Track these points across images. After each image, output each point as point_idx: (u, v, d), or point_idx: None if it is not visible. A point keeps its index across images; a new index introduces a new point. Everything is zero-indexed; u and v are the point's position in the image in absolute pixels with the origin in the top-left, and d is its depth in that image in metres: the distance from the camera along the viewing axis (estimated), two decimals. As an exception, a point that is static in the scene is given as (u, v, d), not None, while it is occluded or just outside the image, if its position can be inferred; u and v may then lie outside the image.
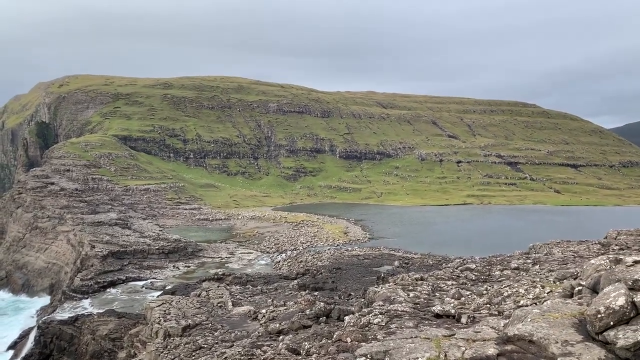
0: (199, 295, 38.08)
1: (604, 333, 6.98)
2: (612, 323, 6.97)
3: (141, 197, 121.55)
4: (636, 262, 10.22)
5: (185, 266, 67.51)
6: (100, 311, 47.25)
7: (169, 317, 30.39)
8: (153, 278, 61.55)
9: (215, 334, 26.45)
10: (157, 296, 45.45)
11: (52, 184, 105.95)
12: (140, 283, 59.48)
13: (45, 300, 67.32)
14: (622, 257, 11.17)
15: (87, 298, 55.87)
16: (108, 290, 58.13)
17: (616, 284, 7.85)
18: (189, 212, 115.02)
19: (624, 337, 6.72)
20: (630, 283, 8.00)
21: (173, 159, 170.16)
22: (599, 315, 7.03)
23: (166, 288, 53.49)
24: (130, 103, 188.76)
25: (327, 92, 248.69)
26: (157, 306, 32.96)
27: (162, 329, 28.34)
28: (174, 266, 67.09)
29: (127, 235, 77.18)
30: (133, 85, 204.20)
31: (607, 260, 11.27)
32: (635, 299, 7.18)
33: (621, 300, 7.06)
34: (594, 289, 9.49)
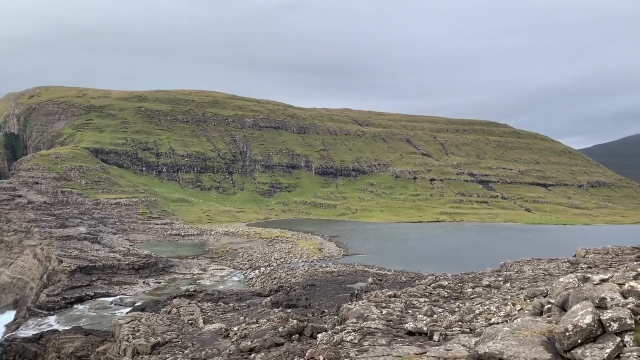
0: (169, 312, 37.37)
1: (571, 351, 7.07)
2: (579, 341, 7.06)
3: (112, 211, 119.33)
4: (603, 280, 10.42)
5: (156, 282, 66.27)
6: (67, 328, 45.87)
7: (138, 334, 29.70)
8: (122, 294, 60.20)
9: (186, 351, 25.94)
10: (126, 313, 44.45)
11: (20, 196, 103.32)
12: (109, 299, 58.10)
13: (8, 316, 65.06)
14: (589, 275, 11.38)
15: (53, 314, 54.24)
16: (75, 306, 56.58)
17: (584, 302, 7.98)
18: (160, 227, 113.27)
19: (590, 355, 6.81)
20: (597, 301, 8.14)
21: (145, 173, 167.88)
22: (567, 334, 7.12)
23: (136, 304, 52.39)
24: (103, 115, 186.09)
25: (304, 108, 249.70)
26: (125, 323, 32.20)
27: (131, 347, 27.66)
28: (144, 282, 65.78)
29: (96, 250, 75.53)
30: (106, 97, 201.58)
31: (576, 279, 11.46)
32: (602, 317, 7.30)
33: (588, 319, 7.17)
34: (563, 307, 9.63)
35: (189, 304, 41.26)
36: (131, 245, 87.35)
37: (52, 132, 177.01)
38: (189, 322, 33.58)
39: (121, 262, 70.22)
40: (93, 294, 59.59)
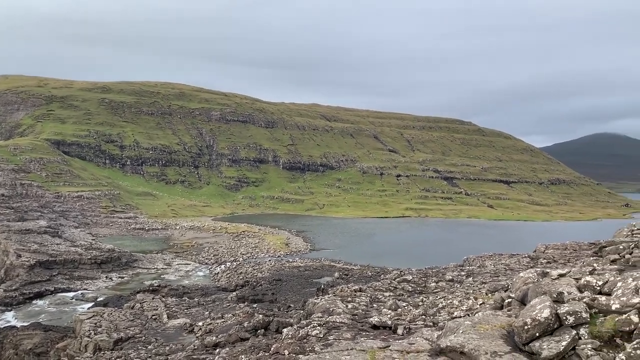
0: (132, 307, 36.77)
1: (530, 344, 7.28)
2: (537, 334, 7.28)
3: (74, 204, 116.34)
4: (561, 275, 10.76)
5: (119, 277, 65.06)
6: (25, 324, 44.58)
7: (99, 329, 29.14)
8: (84, 289, 58.90)
9: (149, 347, 25.60)
10: (88, 308, 43.49)
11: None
12: (70, 294, 56.77)
13: (-37, 313, 62.88)
14: (548, 270, 11.74)
15: (10, 310, 52.63)
16: (34, 302, 55.03)
17: (542, 296, 8.23)
18: (124, 221, 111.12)
19: (547, 347, 7.03)
20: (555, 295, 8.41)
21: (109, 166, 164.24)
22: (526, 327, 7.33)
23: (98, 300, 51.37)
24: (65, 106, 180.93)
25: (272, 103, 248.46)
26: (87, 318, 31.54)
27: (92, 343, 27.11)
28: (106, 277, 64.49)
29: (57, 244, 73.61)
30: (69, 88, 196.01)
31: (535, 274, 11.80)
32: (559, 311, 7.54)
33: (546, 312, 7.39)
34: (523, 301, 9.90)
35: (152, 299, 40.70)
36: (93, 240, 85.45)
37: (10, 123, 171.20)
38: (153, 317, 33.14)
39: (83, 256, 68.64)
40: (53, 289, 58.09)
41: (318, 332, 16.99)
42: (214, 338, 23.51)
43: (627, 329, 7.13)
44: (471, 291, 24.70)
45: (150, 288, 48.17)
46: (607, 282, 9.04)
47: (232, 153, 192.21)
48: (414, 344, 8.00)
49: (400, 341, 8.57)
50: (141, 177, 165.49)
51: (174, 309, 36.64)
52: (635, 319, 7.13)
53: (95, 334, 28.29)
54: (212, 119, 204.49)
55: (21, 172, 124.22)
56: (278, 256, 78.03)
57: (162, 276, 65.40)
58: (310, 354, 9.39)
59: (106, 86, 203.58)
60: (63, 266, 65.08)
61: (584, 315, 7.46)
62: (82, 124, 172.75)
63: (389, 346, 7.94)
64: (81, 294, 56.73)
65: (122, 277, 64.98)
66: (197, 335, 27.10)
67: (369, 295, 25.95)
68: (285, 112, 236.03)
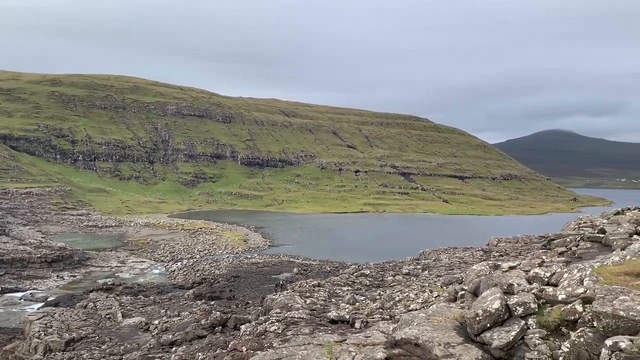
0: (85, 307, 35.80)
1: (481, 335, 7.51)
2: (488, 325, 7.52)
3: (22, 201, 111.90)
4: (512, 267, 11.13)
5: (71, 276, 63.06)
6: (-30, 327, 42.71)
7: (50, 330, 28.24)
8: (34, 289, 56.78)
9: (103, 347, 25.00)
10: (38, 308, 42.01)
11: None
12: (19, 294, 54.60)
13: None
14: (500, 263, 12.12)
15: (-47, 313, 50.26)
16: (-21, 303, 52.72)
17: (493, 288, 8.50)
18: (76, 218, 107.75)
19: (498, 338, 7.28)
20: (506, 287, 8.71)
21: (60, 161, 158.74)
22: (477, 318, 7.57)
23: (48, 299, 49.64)
24: (12, 99, 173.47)
25: (230, 97, 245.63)
26: (37, 319, 30.49)
27: (42, 344, 26.23)
28: (58, 276, 62.39)
29: (4, 243, 70.69)
30: (16, 80, 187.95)
31: (487, 266, 12.15)
32: (509, 302, 7.81)
33: (497, 304, 7.65)
34: (475, 293, 10.19)
35: (106, 297, 39.74)
36: (44, 237, 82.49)
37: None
38: (107, 316, 32.36)
39: (32, 255, 66.15)
40: (0, 289, 55.78)
41: (276, 328, 17.01)
42: (171, 336, 23.18)
43: (572, 318, 7.46)
44: (427, 284, 25.25)
45: (104, 287, 46.96)
46: (554, 273, 9.42)
47: (189, 148, 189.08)
48: (369, 337, 8.11)
49: (357, 335, 8.68)
50: (94, 173, 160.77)
51: (128, 307, 35.88)
52: (579, 308, 7.46)
53: (45, 334, 27.40)
54: (167, 114, 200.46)
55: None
56: (236, 253, 77.40)
57: (116, 274, 63.81)
58: (268, 349, 9.40)
59: (56, 79, 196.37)
60: (11, 265, 62.56)
61: (533, 305, 7.75)
62: (30, 118, 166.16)
63: (346, 340, 8.03)
64: (30, 294, 54.66)
65: (74, 276, 63.02)
66: (152, 333, 26.64)
67: (327, 290, 26.15)
68: (244, 107, 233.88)
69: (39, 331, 28.04)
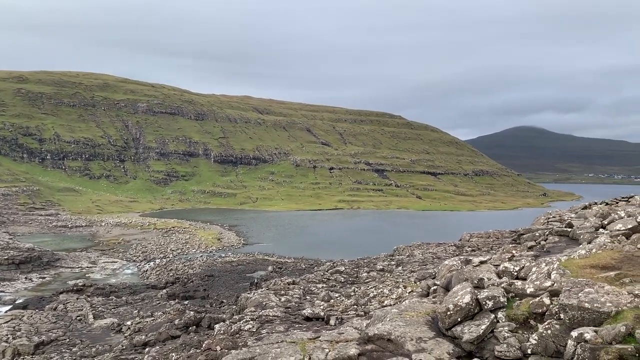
0: (55, 309, 35.08)
1: (452, 329, 7.64)
2: (459, 319, 7.65)
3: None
4: (482, 262, 11.32)
5: (40, 277, 61.62)
6: None
7: (19, 333, 27.61)
8: (0, 292, 55.33)
9: (74, 349, 24.55)
10: (6, 311, 40.99)
11: None
12: (-15, 298, 53.14)
13: None
14: (471, 258, 12.31)
15: None
16: (-56, 307, 51.13)
17: (464, 283, 8.64)
18: (44, 219, 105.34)
19: (468, 331, 7.41)
20: (476, 282, 8.86)
21: (27, 160, 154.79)
22: (448, 313, 7.69)
23: (16, 302, 48.41)
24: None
25: (202, 95, 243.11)
26: (4, 322, 29.77)
27: (10, 348, 25.61)
28: (26, 278, 60.89)
29: (-31, 245, 68.59)
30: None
31: (459, 261, 12.33)
32: (479, 296, 7.95)
33: (467, 298, 7.78)
34: (447, 288, 10.34)
35: (77, 299, 39.03)
36: (11, 239, 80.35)
37: None
38: (78, 318, 31.78)
39: (-1, 257, 64.40)
40: (-35, 292, 54.17)
41: (251, 326, 16.96)
42: (144, 337, 22.89)
43: (540, 310, 7.63)
44: (401, 280, 25.49)
45: (75, 288, 46.08)
46: (523, 267, 9.62)
47: (160, 146, 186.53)
48: (343, 333, 8.17)
49: (330, 331, 8.72)
50: (63, 172, 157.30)
51: (100, 308, 35.32)
52: (547, 301, 7.64)
53: (13, 338, 26.77)
54: (138, 111, 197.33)
55: None
56: (210, 252, 76.78)
57: (87, 275, 62.60)
58: (242, 348, 9.37)
59: (22, 75, 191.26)
60: (-24, 268, 60.81)
61: (502, 299, 7.91)
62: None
63: (319, 337, 8.06)
64: (-3, 296, 53.27)
65: (44, 277, 61.60)
66: (125, 335, 26.29)
67: (302, 287, 26.17)
68: (216, 104, 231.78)
69: (6, 334, 27.38)
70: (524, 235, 18.04)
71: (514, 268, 9.50)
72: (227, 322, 18.99)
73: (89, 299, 39.47)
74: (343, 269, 32.65)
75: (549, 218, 23.10)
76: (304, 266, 56.53)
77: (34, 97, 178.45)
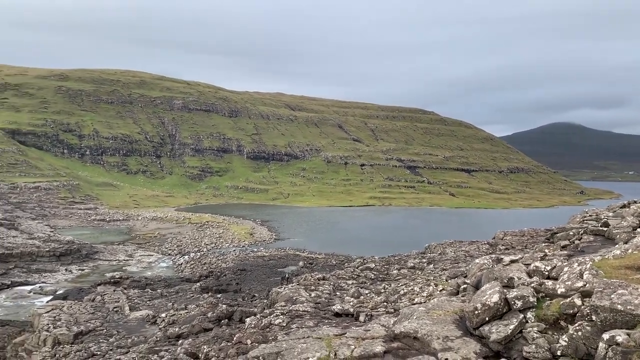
0: (93, 300, 36.16)
1: (480, 328, 7.59)
2: (487, 319, 7.60)
3: (30, 195, 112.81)
4: (513, 261, 11.18)
5: (79, 269, 63.62)
6: (-20, 320, 43.26)
7: (59, 323, 28.60)
8: (42, 282, 57.36)
9: (111, 340, 25.30)
10: (47, 302, 42.49)
11: None
12: (28, 288, 55.18)
13: None
14: (502, 256, 12.17)
15: (-36, 306, 50.88)
16: (-11, 296, 53.32)
17: (493, 282, 8.57)
18: (84, 212, 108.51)
19: (496, 331, 7.35)
20: (506, 281, 8.77)
21: (67, 156, 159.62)
22: (476, 312, 7.65)
23: (57, 293, 50.14)
24: (19, 94, 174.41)
25: (235, 92, 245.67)
26: (45, 312, 30.87)
27: (51, 337, 26.58)
28: (66, 269, 62.97)
29: (13, 237, 71.34)
30: (23, 75, 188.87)
31: (490, 260, 12.21)
32: (508, 295, 7.88)
33: (495, 297, 7.72)
34: (477, 287, 10.26)
35: (114, 291, 40.12)
36: (52, 231, 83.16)
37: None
38: (115, 309, 32.69)
39: (41, 248, 66.76)
40: (10, 282, 56.34)
41: (281, 321, 17.17)
42: (177, 329, 23.41)
43: (571, 311, 7.52)
44: (432, 278, 25.32)
45: (112, 280, 47.37)
46: (554, 267, 9.47)
47: (195, 142, 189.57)
48: (369, 330, 8.22)
49: (357, 328, 8.80)
50: (101, 167, 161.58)
51: (136, 300, 36.21)
52: (578, 302, 7.52)
53: (54, 327, 27.75)
54: (174, 108, 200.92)
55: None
56: (242, 246, 77.72)
57: (123, 268, 64.28)
58: (271, 342, 9.53)
59: (63, 74, 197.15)
60: (20, 259, 63.19)
61: (531, 299, 7.82)
62: (38, 113, 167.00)
63: (345, 333, 8.14)
64: (39, 287, 55.23)
65: (82, 270, 63.56)
66: (159, 326, 26.91)
67: (332, 283, 26.27)
68: (249, 101, 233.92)
69: (47, 324, 28.39)
70: (558, 234, 17.69)
71: (545, 267, 9.36)
72: (258, 316, 19.27)
73: (125, 291, 40.53)
74: (373, 265, 32.60)
75: (585, 217, 22.54)
76: (334, 262, 56.68)
77: (74, 94, 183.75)
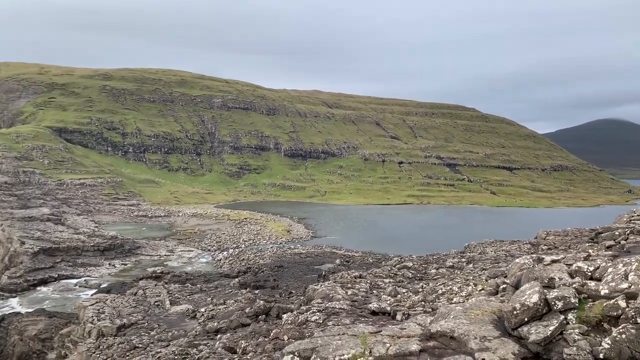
0: (135, 294, 37.16)
1: (518, 329, 7.44)
2: (526, 319, 7.44)
3: (76, 191, 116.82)
4: (554, 261, 10.91)
5: (122, 264, 65.52)
6: (30, 310, 45.09)
7: (102, 316, 29.54)
8: (87, 276, 59.37)
9: (152, 333, 25.94)
10: (91, 295, 43.92)
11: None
12: (74, 281, 57.23)
13: (-32, 299, 63.45)
14: (543, 256, 11.88)
15: (15, 297, 53.16)
16: (38, 288, 55.54)
17: (532, 282, 8.38)
18: (127, 208, 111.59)
19: (535, 332, 7.19)
20: (546, 281, 8.57)
21: (111, 153, 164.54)
22: (515, 312, 7.50)
23: (101, 286, 51.77)
24: (66, 94, 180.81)
25: (273, 90, 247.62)
26: (90, 305, 31.92)
27: (95, 329, 27.49)
28: (109, 264, 64.98)
29: (60, 232, 74.04)
30: (69, 75, 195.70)
31: (531, 260, 11.94)
32: (548, 296, 7.69)
33: (535, 298, 7.55)
34: (517, 287, 10.05)
35: (155, 285, 41.11)
36: (96, 227, 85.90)
37: (12, 110, 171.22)
38: (156, 303, 33.50)
39: (86, 243, 69.07)
40: (57, 275, 58.56)
41: (317, 317, 17.24)
42: (216, 324, 23.81)
43: (615, 314, 7.28)
44: (471, 277, 24.89)
45: (153, 275, 48.51)
46: (598, 267, 9.18)
47: (234, 140, 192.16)
48: (405, 329, 8.18)
49: (392, 326, 8.76)
50: (143, 165, 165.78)
51: (176, 295, 37.00)
52: (622, 304, 7.28)
53: (98, 320, 28.67)
54: (213, 106, 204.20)
55: (23, 160, 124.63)
56: (280, 243, 78.39)
57: (164, 263, 65.82)
58: (307, 338, 9.60)
59: (107, 73, 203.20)
60: (66, 253, 65.51)
61: (573, 300, 7.61)
62: (83, 112, 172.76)
63: (381, 331, 8.12)
64: (84, 280, 57.19)
65: (125, 264, 65.42)
66: (199, 321, 27.42)
67: (369, 281, 26.18)
68: (287, 99, 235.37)
69: (92, 316, 29.36)
70: (602, 234, 17.12)
71: (587, 268, 9.09)
72: (295, 312, 19.39)
73: (166, 285, 41.47)
74: (411, 264, 32.32)
75: (632, 216, 21.73)
76: (371, 260, 56.45)
77: (117, 93, 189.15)
